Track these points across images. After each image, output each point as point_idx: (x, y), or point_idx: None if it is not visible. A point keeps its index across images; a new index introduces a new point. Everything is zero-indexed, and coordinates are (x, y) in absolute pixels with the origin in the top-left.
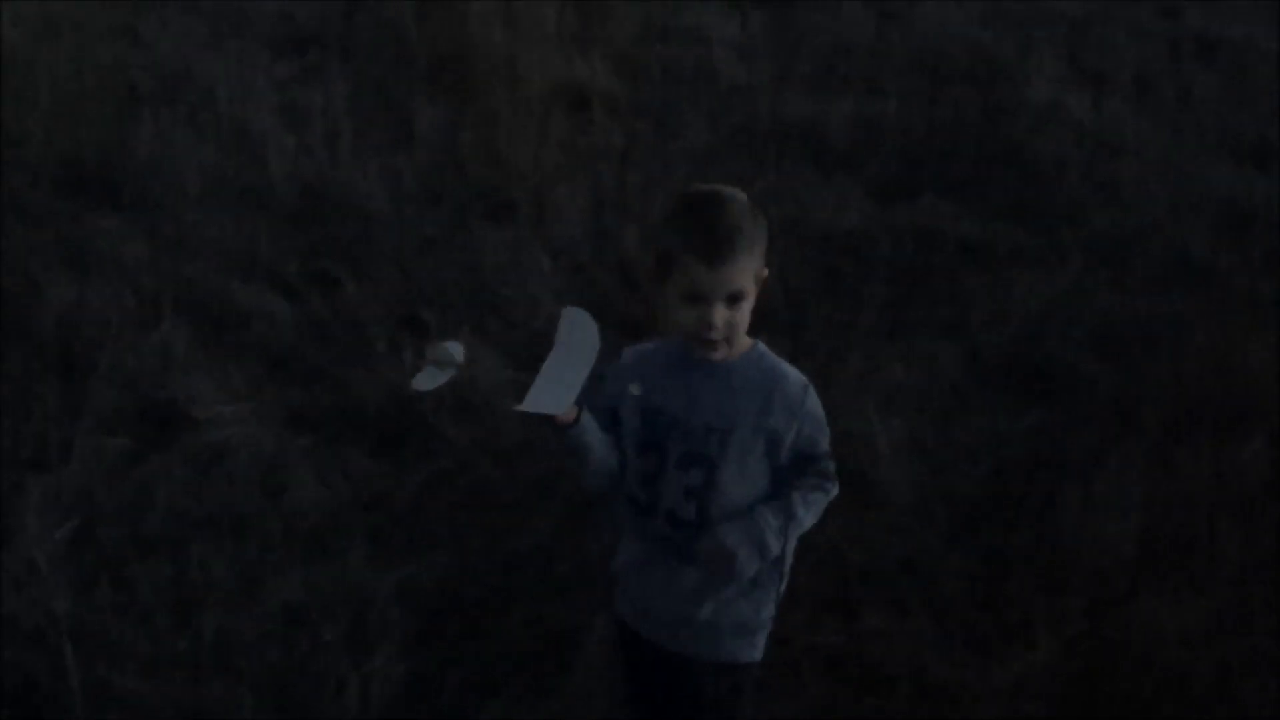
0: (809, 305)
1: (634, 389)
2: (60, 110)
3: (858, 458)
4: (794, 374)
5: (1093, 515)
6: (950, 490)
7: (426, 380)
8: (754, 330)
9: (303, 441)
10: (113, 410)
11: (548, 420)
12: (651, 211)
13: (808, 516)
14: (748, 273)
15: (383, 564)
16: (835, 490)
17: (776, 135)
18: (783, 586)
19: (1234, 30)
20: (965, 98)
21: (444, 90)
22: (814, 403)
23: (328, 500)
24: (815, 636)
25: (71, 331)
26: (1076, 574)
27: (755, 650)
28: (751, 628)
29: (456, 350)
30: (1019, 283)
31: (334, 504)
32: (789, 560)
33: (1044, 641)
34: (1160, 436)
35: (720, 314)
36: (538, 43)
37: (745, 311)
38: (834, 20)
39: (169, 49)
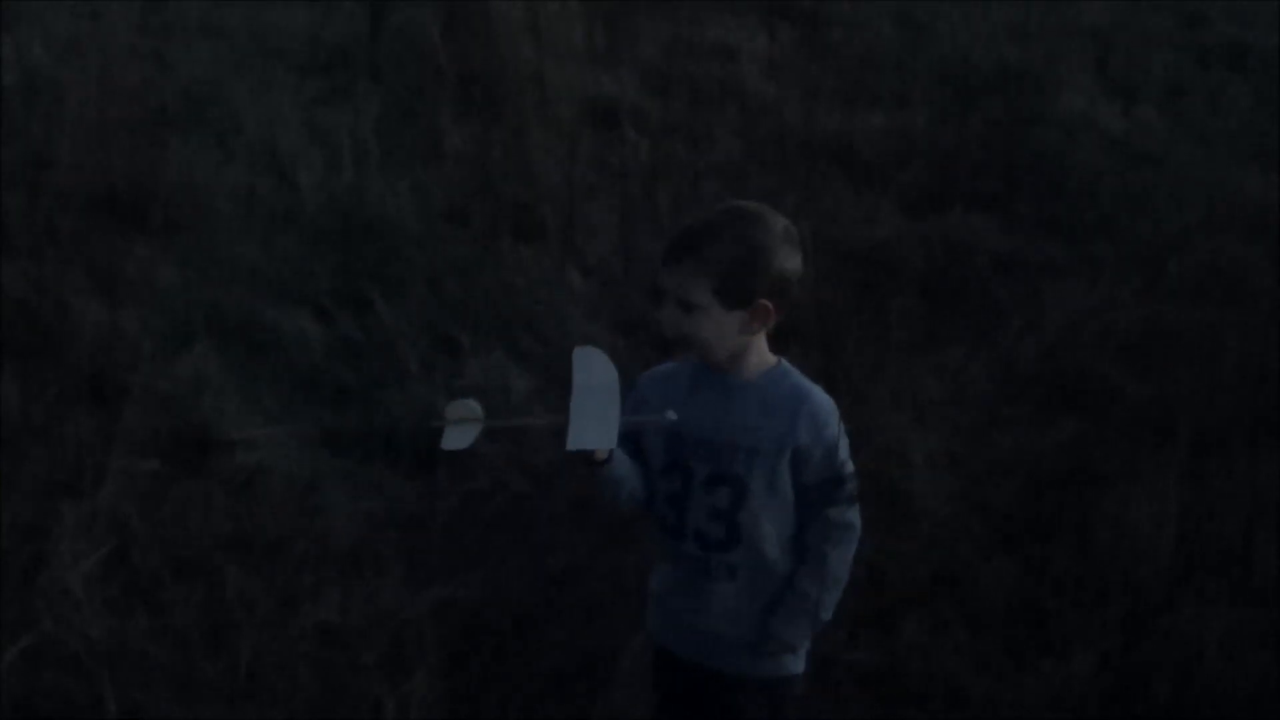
0: (840, 319)
1: (670, 415)
2: (89, 134)
3: (892, 472)
4: (819, 393)
5: (1128, 527)
6: (985, 504)
7: (454, 440)
8: (785, 344)
9: (336, 463)
10: (146, 434)
11: (583, 459)
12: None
13: (844, 569)
14: (700, 286)
15: (418, 585)
16: (859, 520)
17: (806, 149)
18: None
19: (1263, 37)
20: (994, 110)
21: (472, 108)
22: (839, 423)
23: (362, 521)
24: (853, 653)
25: (103, 356)
26: (1113, 586)
27: (798, 662)
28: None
29: (475, 406)
30: (1051, 294)
31: (369, 525)
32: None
33: (1081, 654)
34: (1195, 447)
35: (668, 314)
36: (566, 59)
37: (702, 325)
38: (862, 34)
39: (196, 72)
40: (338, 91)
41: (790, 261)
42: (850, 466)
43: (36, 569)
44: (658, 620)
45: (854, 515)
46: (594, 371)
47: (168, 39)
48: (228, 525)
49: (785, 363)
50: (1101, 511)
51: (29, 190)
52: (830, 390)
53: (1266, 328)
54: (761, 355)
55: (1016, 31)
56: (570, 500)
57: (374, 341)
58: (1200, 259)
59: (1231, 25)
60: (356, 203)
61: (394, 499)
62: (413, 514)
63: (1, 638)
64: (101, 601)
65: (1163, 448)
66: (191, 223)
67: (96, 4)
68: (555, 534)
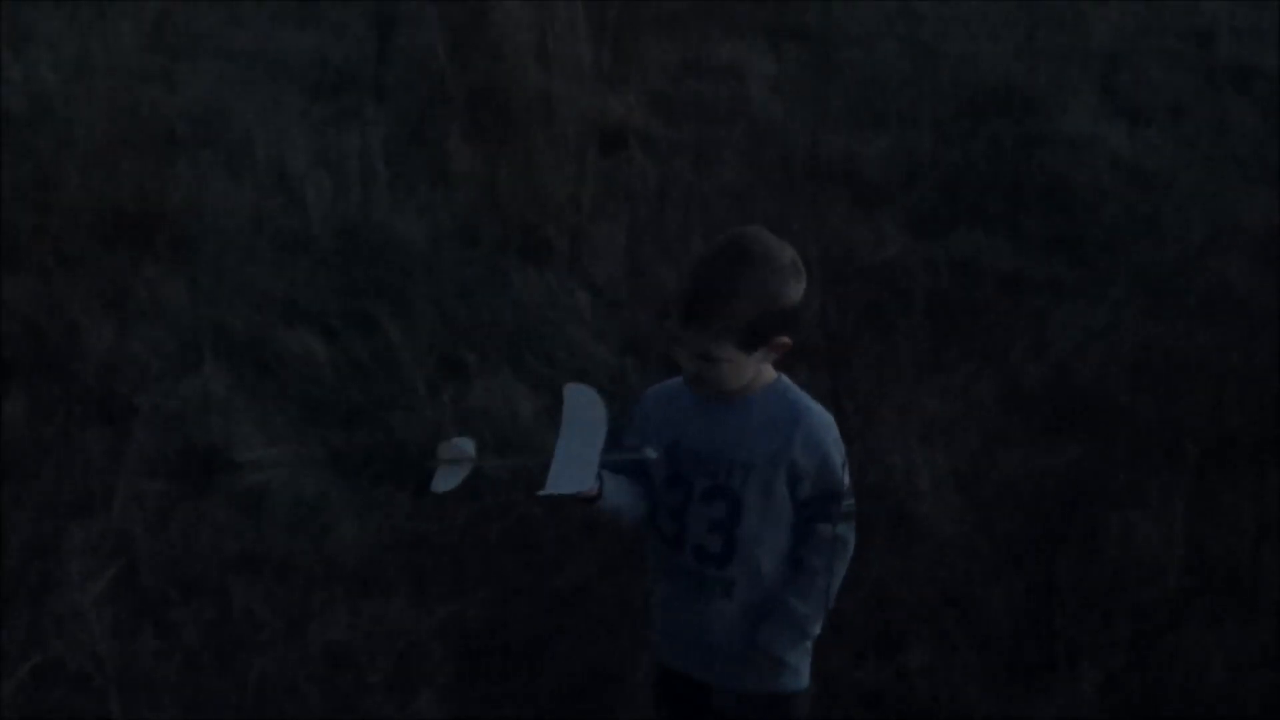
0: (848, 340)
1: (650, 452)
2: (98, 155)
3: (899, 492)
4: (817, 409)
5: (1135, 546)
6: (992, 523)
7: (444, 481)
8: (793, 365)
9: (344, 483)
10: (154, 455)
11: (576, 498)
12: (689, 248)
13: (835, 585)
14: (721, 340)
15: (425, 604)
16: (853, 537)
17: (813, 170)
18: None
19: (1270, 58)
20: (1001, 130)
21: (480, 129)
22: (836, 439)
23: (370, 541)
24: (859, 673)
25: (112, 376)
26: (1120, 606)
27: (802, 677)
28: (797, 654)
29: (468, 446)
30: (1057, 314)
31: (376, 545)
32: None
33: (1088, 674)
34: (1201, 466)
35: (687, 360)
36: (573, 80)
37: (723, 370)
38: (869, 55)
39: (205, 93)
40: (345, 113)
41: (799, 292)
42: (847, 483)
43: (45, 589)
44: (660, 638)
45: (848, 532)
46: (581, 409)
47: (176, 60)
48: (235, 545)
49: (784, 378)
50: (1108, 531)
51: (37, 210)
52: (837, 410)
53: (1272, 346)
54: (763, 372)
55: (1023, 52)
56: (577, 519)
57: (381, 362)
58: (1206, 279)
59: (1238, 46)
60: (364, 223)
61: (401, 519)
62: (420, 534)
63: (10, 657)
64: (110, 621)
65: (1169, 467)
66: (199, 243)
67: (105, 24)
68: (562, 553)
